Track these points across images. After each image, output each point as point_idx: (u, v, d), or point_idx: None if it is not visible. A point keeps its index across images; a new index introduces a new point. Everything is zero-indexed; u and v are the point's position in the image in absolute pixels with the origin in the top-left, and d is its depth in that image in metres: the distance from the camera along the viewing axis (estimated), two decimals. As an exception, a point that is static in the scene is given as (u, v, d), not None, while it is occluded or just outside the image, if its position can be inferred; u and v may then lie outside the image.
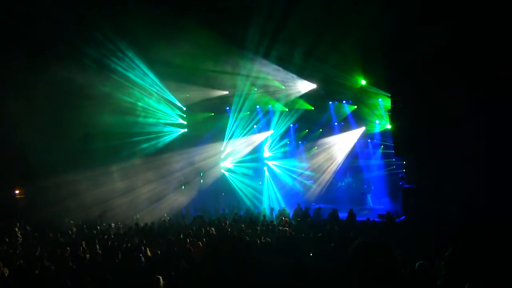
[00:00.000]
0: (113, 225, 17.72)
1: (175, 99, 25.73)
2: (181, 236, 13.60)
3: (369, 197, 25.11)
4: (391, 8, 16.21)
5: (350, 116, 25.88)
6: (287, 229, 14.70)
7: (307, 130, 27.90)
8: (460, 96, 15.14)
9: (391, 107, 19.74)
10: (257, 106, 27.43)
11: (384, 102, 23.35)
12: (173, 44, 19.80)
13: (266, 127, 28.03)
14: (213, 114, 27.31)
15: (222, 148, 27.63)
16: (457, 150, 15.94)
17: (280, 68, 22.76)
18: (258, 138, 28.07)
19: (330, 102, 26.03)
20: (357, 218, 17.98)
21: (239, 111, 26.60)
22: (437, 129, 16.58)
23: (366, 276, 2.79)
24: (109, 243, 13.46)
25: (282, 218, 17.73)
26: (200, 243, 12.37)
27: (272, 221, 17.13)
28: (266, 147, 28.32)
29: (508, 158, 14.76)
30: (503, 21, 14.38)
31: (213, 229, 15.08)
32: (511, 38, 14.51)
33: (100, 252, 12.14)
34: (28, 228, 16.93)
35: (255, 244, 11.46)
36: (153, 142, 25.40)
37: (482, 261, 8.36)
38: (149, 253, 11.53)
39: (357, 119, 25.86)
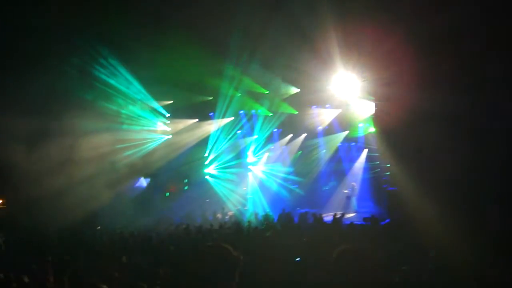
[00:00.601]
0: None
1: (158, 106, 25.57)
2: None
3: (353, 200, 25.14)
4: (371, 8, 16.29)
5: (333, 120, 26.00)
6: (270, 234, 14.64)
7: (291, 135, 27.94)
8: (443, 98, 15.21)
9: (375, 109, 19.82)
10: (241, 112, 27.41)
11: (367, 105, 23.45)
12: (156, 50, 19.75)
13: (250, 132, 27.99)
14: (197, 120, 27.18)
15: (206, 154, 27.50)
16: (440, 152, 16.00)
17: (264, 73, 22.76)
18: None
19: (314, 106, 26.12)
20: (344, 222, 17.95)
21: (223, 117, 26.53)
22: (421, 131, 16.63)
23: (351, 281, 2.74)
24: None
25: (266, 223, 17.65)
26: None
27: (256, 227, 17.04)
28: (250, 152, 28.27)
29: (492, 160, 14.85)
30: (485, 20, 14.49)
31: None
32: (490, 38, 14.60)
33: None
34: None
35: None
36: (137, 149, 25.17)
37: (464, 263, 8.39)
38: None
39: (341, 123, 25.98)
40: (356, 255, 2.83)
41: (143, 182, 25.99)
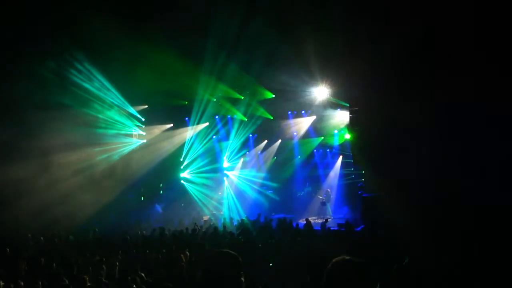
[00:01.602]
0: (71, 237, 17.13)
1: (134, 111, 25.39)
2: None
3: (328, 206, 25.25)
4: (350, 16, 16.51)
5: (309, 127, 26.22)
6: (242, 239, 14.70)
7: (266, 141, 28.02)
8: (416, 105, 15.48)
9: (350, 116, 20.02)
10: (216, 117, 27.40)
11: (342, 112, 23.72)
12: (131, 54, 19.66)
13: (225, 137, 27.97)
14: (172, 125, 27.04)
15: (181, 159, 27.37)
16: (414, 158, 16.26)
17: (240, 77, 22.82)
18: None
19: (289, 112, 26.28)
20: (317, 228, 18.01)
21: (198, 122, 26.47)
22: (395, 138, 16.88)
23: None
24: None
25: (242, 229, 17.61)
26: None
27: (231, 232, 16.98)
28: (225, 157, 28.24)
29: (467, 166, 15.14)
30: (462, 29, 14.80)
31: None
32: (467, 46, 14.92)
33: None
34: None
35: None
36: (112, 153, 24.94)
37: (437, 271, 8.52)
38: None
39: (316, 129, 26.18)
40: (350, 267, 2.81)
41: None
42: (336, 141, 25.86)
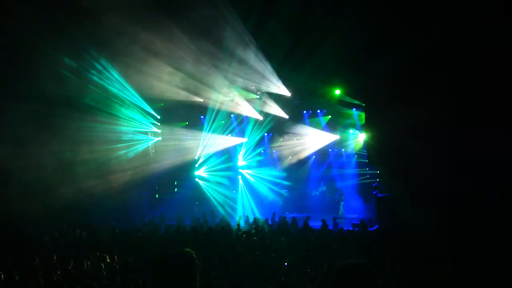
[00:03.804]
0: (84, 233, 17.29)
1: (149, 108, 25.52)
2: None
3: (342, 206, 25.23)
4: (366, 17, 16.47)
5: (324, 126, 26.16)
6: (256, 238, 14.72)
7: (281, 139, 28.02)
8: (432, 105, 15.40)
9: (365, 116, 19.93)
10: (232, 115, 27.45)
11: (358, 112, 23.65)
12: (148, 52, 19.79)
13: (241, 135, 28.02)
14: (187, 123, 27.15)
15: (196, 157, 27.46)
16: (429, 159, 16.17)
17: (254, 77, 22.87)
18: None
19: (305, 112, 26.25)
20: (330, 228, 17.99)
21: (214, 120, 26.55)
22: (410, 138, 16.78)
23: None
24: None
25: (256, 227, 17.64)
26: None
27: (245, 231, 17.02)
28: (240, 156, 28.28)
29: (481, 166, 15.01)
30: (478, 31, 14.70)
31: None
32: (481, 50, 14.80)
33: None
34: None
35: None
36: (127, 150, 25.13)
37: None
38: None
39: (332, 129, 26.11)
40: (358, 272, 2.82)
41: None
42: (351, 141, 25.88)
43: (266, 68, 21.89)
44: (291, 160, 27.93)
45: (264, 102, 25.59)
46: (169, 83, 22.39)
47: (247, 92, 25.21)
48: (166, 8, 18.28)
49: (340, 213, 24.68)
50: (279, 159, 28.33)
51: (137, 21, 17.92)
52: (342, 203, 25.43)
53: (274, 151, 28.51)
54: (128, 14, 17.48)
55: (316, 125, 26.50)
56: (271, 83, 23.44)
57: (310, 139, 26.81)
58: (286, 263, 10.62)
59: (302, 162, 27.55)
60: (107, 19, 17.38)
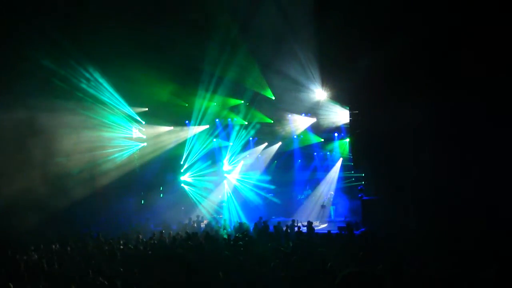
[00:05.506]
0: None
1: (134, 113, 25.34)
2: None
3: (331, 209, 25.25)
4: (349, 20, 16.52)
5: (309, 128, 26.17)
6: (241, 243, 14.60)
7: (266, 143, 27.99)
8: (417, 107, 15.48)
9: (350, 119, 19.98)
10: (217, 120, 27.37)
11: (342, 115, 23.70)
12: (132, 58, 19.71)
13: (226, 140, 27.94)
14: (172, 127, 27.02)
15: (181, 162, 27.32)
16: (414, 161, 16.25)
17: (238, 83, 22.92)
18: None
19: (289, 115, 26.25)
20: (318, 231, 17.95)
21: (199, 125, 26.44)
22: (394, 141, 16.85)
23: None
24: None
25: (243, 232, 17.53)
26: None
27: (231, 235, 16.92)
28: (225, 160, 28.19)
29: (464, 167, 15.11)
30: (463, 33, 14.82)
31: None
32: (467, 51, 14.91)
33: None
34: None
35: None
36: (112, 156, 24.91)
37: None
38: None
39: (316, 131, 26.14)
40: (362, 280, 2.75)
41: None
42: (335, 144, 25.99)
43: (252, 71, 21.88)
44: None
45: (249, 107, 25.57)
46: (153, 87, 22.29)
47: (232, 97, 25.18)
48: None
49: (328, 216, 24.72)
50: (264, 163, 28.28)
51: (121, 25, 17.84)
52: (328, 207, 25.41)
53: (259, 154, 28.45)
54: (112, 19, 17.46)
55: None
56: (256, 86, 23.45)
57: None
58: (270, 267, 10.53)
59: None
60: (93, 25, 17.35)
